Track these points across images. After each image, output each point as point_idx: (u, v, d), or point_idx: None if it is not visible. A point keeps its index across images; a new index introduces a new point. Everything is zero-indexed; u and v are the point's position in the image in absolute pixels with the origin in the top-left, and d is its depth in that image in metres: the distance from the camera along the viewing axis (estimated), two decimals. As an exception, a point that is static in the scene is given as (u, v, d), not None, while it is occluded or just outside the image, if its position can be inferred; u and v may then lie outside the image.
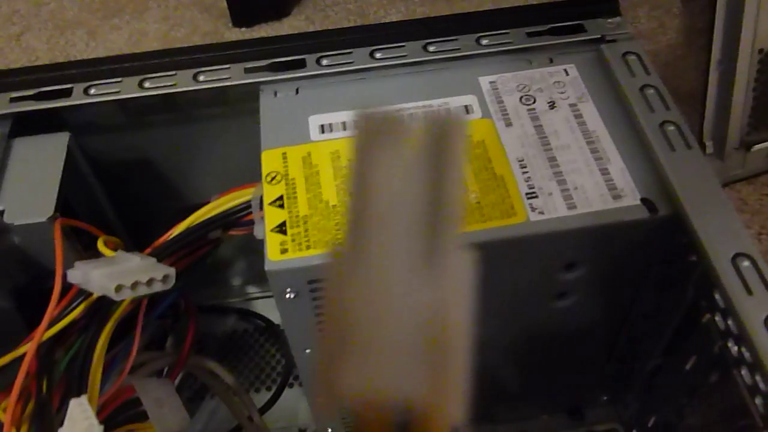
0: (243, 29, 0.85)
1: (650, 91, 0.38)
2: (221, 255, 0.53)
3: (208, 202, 0.39)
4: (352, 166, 0.12)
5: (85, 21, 0.88)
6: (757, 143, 0.64)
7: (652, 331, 0.41)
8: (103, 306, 0.35)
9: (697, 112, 0.66)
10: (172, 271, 0.34)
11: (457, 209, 0.12)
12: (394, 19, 0.85)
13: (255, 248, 0.34)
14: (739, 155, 0.65)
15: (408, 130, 0.12)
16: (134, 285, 0.33)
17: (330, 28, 0.84)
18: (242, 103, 0.41)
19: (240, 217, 0.38)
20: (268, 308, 0.55)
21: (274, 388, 0.50)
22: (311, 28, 0.84)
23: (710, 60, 0.59)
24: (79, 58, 0.84)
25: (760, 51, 0.59)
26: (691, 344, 0.38)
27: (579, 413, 0.51)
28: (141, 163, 0.46)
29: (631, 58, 0.39)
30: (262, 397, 0.50)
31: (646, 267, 0.37)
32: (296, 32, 0.83)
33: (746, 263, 0.31)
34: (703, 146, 0.64)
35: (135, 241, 0.47)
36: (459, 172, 0.12)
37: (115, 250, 0.36)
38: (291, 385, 0.51)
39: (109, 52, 0.84)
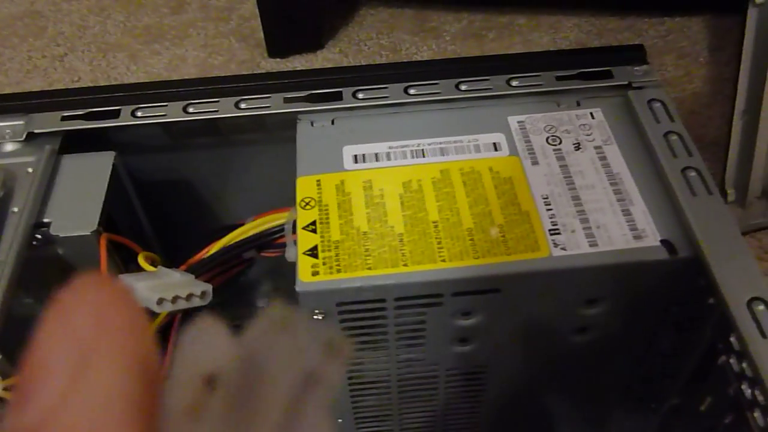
0: (278, 60, 0.87)
1: (674, 138, 0.39)
2: (250, 276, 0.54)
3: (242, 224, 0.40)
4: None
5: (126, 45, 0.92)
6: (779, 192, 0.65)
7: (670, 371, 0.42)
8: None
9: (720, 161, 0.67)
10: (209, 287, 0.36)
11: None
12: (426, 56, 0.87)
13: (281, 271, 0.36)
14: (761, 204, 0.66)
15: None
16: (174, 299, 0.34)
17: (363, 62, 0.86)
18: (280, 131, 0.43)
19: (273, 239, 0.39)
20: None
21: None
22: (344, 62, 0.87)
23: (734, 109, 0.61)
24: (119, 80, 0.87)
25: (785, 102, 0.60)
26: (707, 385, 0.39)
27: (593, 451, 0.52)
28: (180, 183, 0.48)
29: (657, 105, 0.41)
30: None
31: (664, 307, 0.38)
32: (332, 65, 0.86)
33: (761, 307, 0.32)
34: (725, 194, 0.65)
35: (168, 257, 0.49)
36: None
37: (154, 265, 0.38)
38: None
39: (149, 75, 0.87)
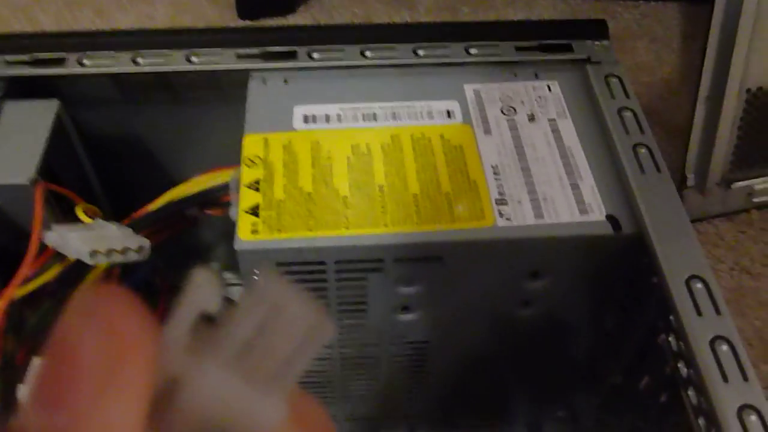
0: (248, 22, 0.86)
1: (628, 114, 0.39)
2: (202, 239, 0.54)
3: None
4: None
5: (93, 0, 0.89)
6: (738, 181, 0.65)
7: (613, 350, 0.42)
8: (77, 271, 0.36)
9: (684, 146, 0.67)
10: (146, 242, 0.35)
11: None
12: (398, 27, 0.86)
13: (233, 230, 0.35)
14: (719, 191, 0.66)
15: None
16: (109, 252, 0.33)
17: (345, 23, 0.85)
18: (233, 89, 0.42)
19: (218, 197, 0.38)
20: (243, 296, 0.56)
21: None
22: (315, 28, 0.86)
23: (698, 92, 0.60)
24: (83, 35, 0.85)
25: (748, 91, 0.60)
26: (646, 364, 0.39)
27: (537, 427, 0.52)
28: (131, 138, 0.46)
29: (613, 80, 0.40)
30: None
31: (609, 284, 0.38)
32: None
33: (699, 285, 0.32)
34: (684, 179, 0.65)
35: (118, 213, 0.48)
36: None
37: (93, 218, 0.37)
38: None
39: (114, 32, 0.85)
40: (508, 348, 0.42)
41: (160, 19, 0.87)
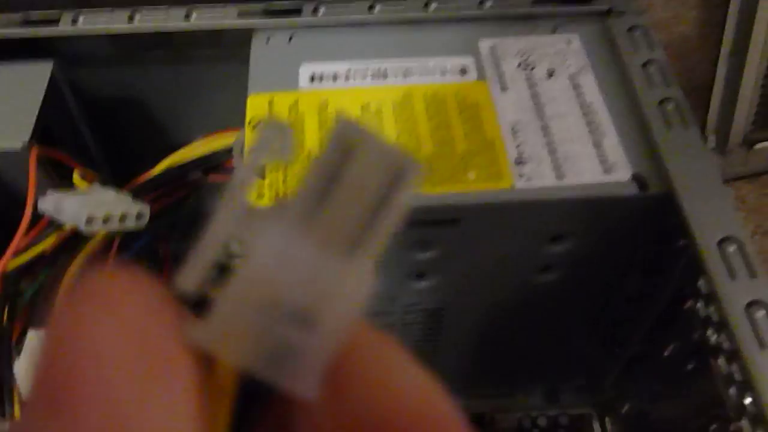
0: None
1: (652, 68, 0.36)
2: (205, 204, 0.52)
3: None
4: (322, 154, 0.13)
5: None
6: (761, 141, 0.63)
7: (635, 316, 0.40)
8: (74, 240, 0.34)
9: (704, 107, 0.64)
10: (146, 208, 0.33)
11: (385, 233, 0.13)
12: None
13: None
14: (741, 152, 0.64)
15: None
16: (106, 218, 0.32)
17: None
18: (235, 47, 0.40)
19: (221, 162, 0.37)
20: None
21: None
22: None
23: (720, 50, 0.58)
24: None
25: (773, 47, 0.58)
26: (671, 331, 0.37)
27: (555, 395, 0.50)
28: (130, 100, 0.45)
29: (637, 33, 0.38)
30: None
31: (633, 247, 0.36)
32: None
33: (732, 248, 0.30)
34: (705, 140, 0.63)
35: (117, 177, 0.47)
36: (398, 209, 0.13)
37: (91, 183, 0.35)
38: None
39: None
40: (526, 314, 0.41)
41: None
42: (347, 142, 0.13)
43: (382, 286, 0.37)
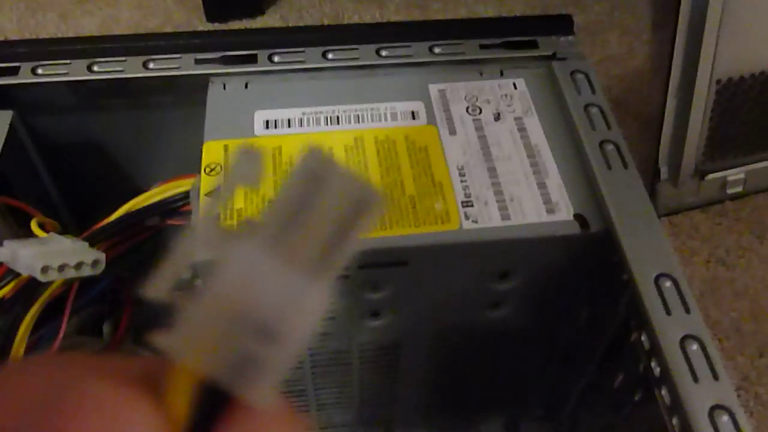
0: (216, 24, 0.84)
1: (594, 110, 0.38)
2: (166, 247, 0.53)
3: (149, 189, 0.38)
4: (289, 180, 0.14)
5: (58, 3, 0.88)
6: (711, 172, 0.65)
7: (586, 347, 0.41)
8: (31, 287, 0.35)
9: (657, 138, 0.66)
10: (102, 256, 0.34)
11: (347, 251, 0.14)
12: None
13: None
14: (693, 183, 0.66)
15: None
16: (62, 267, 0.32)
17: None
18: (193, 93, 0.41)
19: (179, 207, 0.37)
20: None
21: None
22: (285, 28, 0.85)
23: (668, 86, 0.60)
24: (48, 40, 0.83)
25: (718, 82, 0.60)
26: (619, 362, 0.39)
27: (515, 426, 0.51)
28: (90, 146, 0.45)
29: (579, 76, 0.40)
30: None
31: (579, 282, 0.37)
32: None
33: (668, 284, 0.31)
34: (657, 172, 0.65)
35: (79, 224, 0.47)
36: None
37: (49, 232, 0.36)
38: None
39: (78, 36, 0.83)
40: (481, 348, 0.42)
41: (125, 22, 0.85)
42: (316, 170, 0.14)
43: (338, 325, 0.38)
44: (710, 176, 0.66)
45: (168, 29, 0.84)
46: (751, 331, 0.60)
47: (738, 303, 0.62)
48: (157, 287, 0.14)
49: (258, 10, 0.86)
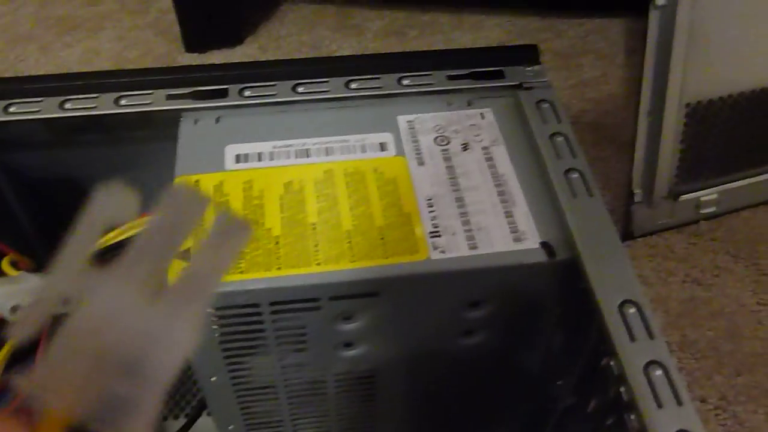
0: (196, 54, 0.85)
1: (559, 139, 0.39)
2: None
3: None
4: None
5: (38, 36, 0.88)
6: (685, 193, 0.66)
7: (561, 372, 0.42)
8: (2, 326, 0.35)
9: (631, 161, 0.67)
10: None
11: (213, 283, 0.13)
12: (346, 53, 0.86)
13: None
14: (667, 204, 0.67)
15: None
16: (33, 305, 0.32)
17: (280, 59, 0.85)
18: (166, 128, 0.41)
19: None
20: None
21: (188, 416, 0.50)
22: (263, 57, 0.85)
23: (639, 109, 0.61)
24: (28, 73, 0.83)
25: (687, 105, 0.61)
26: (592, 387, 0.39)
27: (494, 451, 0.51)
28: (65, 181, 0.46)
29: (545, 105, 0.41)
30: (176, 425, 0.49)
31: (549, 309, 0.38)
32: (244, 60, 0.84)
33: (632, 310, 0.32)
34: (632, 194, 0.66)
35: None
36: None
37: (20, 270, 0.36)
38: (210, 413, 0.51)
39: (60, 69, 0.84)
40: (456, 375, 0.42)
41: (106, 54, 0.86)
42: (182, 203, 0.14)
43: (313, 356, 0.38)
44: (684, 197, 0.67)
45: (148, 60, 0.85)
46: (728, 351, 0.61)
47: (715, 322, 0.62)
48: (22, 325, 0.14)
49: (237, 40, 0.87)
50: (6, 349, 0.34)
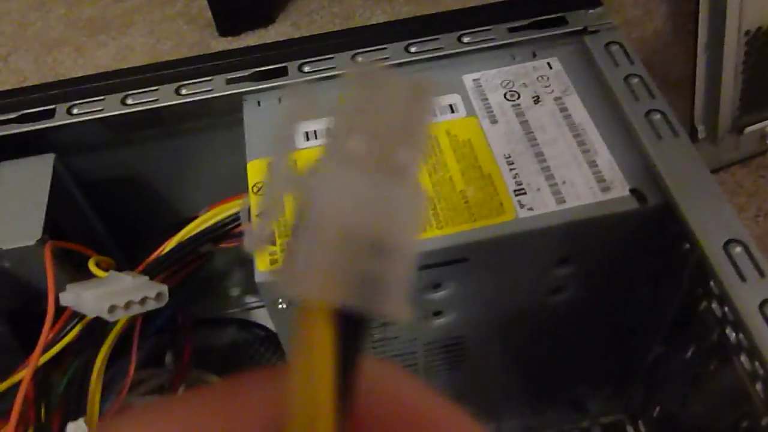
0: (229, 38, 0.84)
1: (635, 81, 0.37)
2: (217, 266, 0.53)
3: (197, 216, 0.38)
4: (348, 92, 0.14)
5: (71, 39, 0.88)
6: (749, 125, 0.64)
7: (651, 322, 0.41)
8: (98, 326, 0.35)
9: (688, 98, 0.65)
10: (164, 288, 0.34)
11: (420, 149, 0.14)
12: (380, 20, 0.84)
13: (251, 258, 0.34)
14: (731, 138, 0.64)
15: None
16: (127, 305, 0.33)
17: (315, 32, 0.83)
18: (228, 114, 0.41)
19: (230, 230, 0.37)
20: (267, 317, 0.55)
21: None
22: (297, 34, 0.84)
23: (697, 45, 0.59)
24: (67, 76, 0.84)
25: (747, 33, 0.59)
26: (689, 333, 0.38)
27: (584, 406, 0.51)
28: (129, 179, 0.46)
29: (614, 48, 0.39)
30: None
31: (639, 258, 0.37)
32: (280, 39, 0.83)
33: (738, 249, 0.31)
34: (695, 131, 0.63)
35: (128, 257, 0.47)
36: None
37: (107, 270, 0.36)
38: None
39: (97, 68, 0.84)
40: (544, 334, 0.41)
41: (140, 48, 0.85)
42: (364, 77, 0.14)
43: (402, 328, 0.37)
44: (748, 129, 0.64)
45: (183, 49, 0.84)
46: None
47: (793, 255, 0.60)
48: (251, 239, 0.14)
49: (269, 19, 0.86)
50: (105, 348, 0.34)
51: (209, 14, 0.84)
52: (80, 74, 0.83)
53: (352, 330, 0.13)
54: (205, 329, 0.53)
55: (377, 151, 0.13)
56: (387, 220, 0.13)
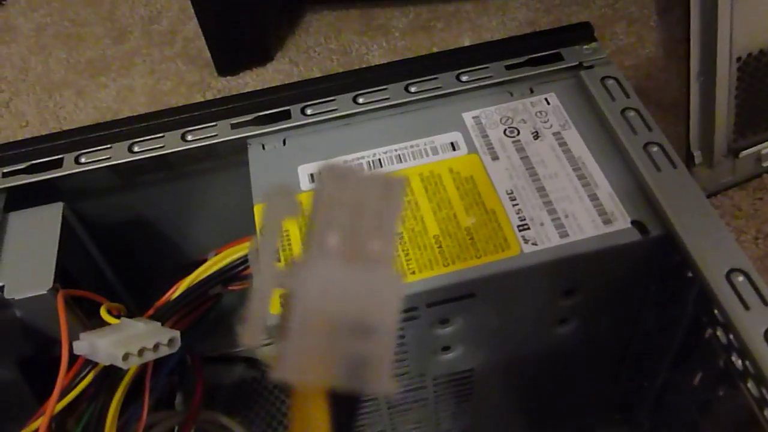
0: (228, 77, 0.86)
1: (631, 114, 0.38)
2: (224, 304, 0.53)
3: (205, 260, 0.39)
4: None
5: (72, 81, 0.89)
6: (745, 149, 0.65)
7: (658, 348, 0.41)
8: (111, 372, 0.35)
9: (683, 123, 0.66)
10: (176, 334, 0.34)
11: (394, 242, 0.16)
12: (376, 54, 0.86)
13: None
14: (728, 162, 0.65)
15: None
16: (141, 351, 0.33)
17: (313, 68, 0.85)
18: (232, 156, 0.42)
19: (239, 272, 0.38)
20: (274, 355, 0.55)
21: (286, 436, 0.50)
22: (295, 71, 0.85)
23: (689, 71, 0.60)
24: (68, 119, 0.85)
25: (738, 59, 0.60)
26: (696, 359, 0.38)
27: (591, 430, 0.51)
28: (137, 224, 0.46)
29: (610, 82, 0.40)
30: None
31: (643, 287, 0.37)
32: (283, 77, 0.84)
33: (741, 278, 0.31)
34: (691, 157, 0.64)
35: (136, 301, 0.48)
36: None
37: (118, 316, 0.36)
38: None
39: (98, 110, 0.85)
40: (552, 363, 0.42)
41: (141, 89, 0.87)
42: (337, 180, 0.15)
43: (411, 363, 0.38)
44: (744, 153, 0.65)
45: (182, 89, 0.85)
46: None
47: (794, 275, 0.61)
48: (251, 336, 0.16)
49: (267, 57, 0.87)
50: (119, 394, 0.34)
51: (208, 54, 0.85)
52: (82, 116, 0.84)
53: (344, 406, 0.15)
54: (213, 368, 0.53)
55: (354, 245, 0.15)
56: (366, 304, 0.14)
